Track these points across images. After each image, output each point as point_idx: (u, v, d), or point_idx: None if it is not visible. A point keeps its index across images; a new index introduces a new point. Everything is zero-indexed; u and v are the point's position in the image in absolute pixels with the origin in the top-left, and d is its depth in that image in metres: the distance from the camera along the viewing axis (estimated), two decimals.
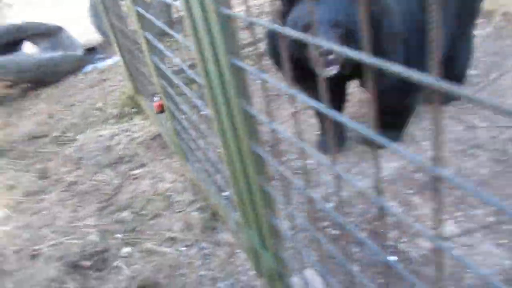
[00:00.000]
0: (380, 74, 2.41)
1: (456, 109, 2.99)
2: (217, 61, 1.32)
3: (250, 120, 1.37)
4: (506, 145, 2.55)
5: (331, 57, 2.01)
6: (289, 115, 3.34)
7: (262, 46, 4.42)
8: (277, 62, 2.47)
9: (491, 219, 2.10)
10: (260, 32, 4.57)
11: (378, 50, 2.31)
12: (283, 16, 2.29)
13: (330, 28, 2.08)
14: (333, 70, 2.09)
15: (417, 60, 2.38)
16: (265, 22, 0.96)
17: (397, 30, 2.23)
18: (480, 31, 3.89)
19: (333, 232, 2.23)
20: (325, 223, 2.29)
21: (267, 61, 2.69)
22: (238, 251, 2.21)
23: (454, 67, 2.96)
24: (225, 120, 1.46)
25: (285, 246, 1.73)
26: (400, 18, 2.25)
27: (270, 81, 1.08)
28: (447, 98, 3.07)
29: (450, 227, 2.11)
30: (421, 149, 2.68)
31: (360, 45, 2.25)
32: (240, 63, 1.24)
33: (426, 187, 2.38)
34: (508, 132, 2.65)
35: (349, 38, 2.12)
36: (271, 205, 1.58)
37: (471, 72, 3.25)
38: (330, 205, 2.42)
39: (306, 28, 2.12)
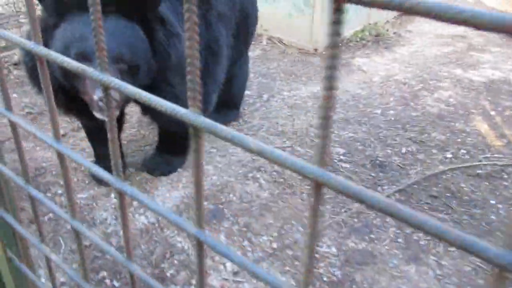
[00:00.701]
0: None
1: (236, 130, 3.00)
2: None
3: None
4: None
5: (113, 102, 1.67)
6: None
7: (18, 54, 3.70)
8: (36, 81, 1.98)
9: (275, 245, 2.11)
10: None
11: (165, 82, 2.08)
12: (50, 28, 1.82)
13: (112, 63, 1.72)
14: None
15: (203, 81, 2.26)
16: (19, 39, 0.58)
17: (183, 55, 2.02)
18: (250, 54, 4.09)
19: (116, 284, 1.90)
20: (104, 273, 1.94)
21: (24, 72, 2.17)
22: None
23: (232, 87, 2.97)
24: None
25: None
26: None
27: (23, 126, 0.72)
28: (226, 120, 3.06)
29: None
30: (205, 174, 2.57)
31: (142, 80, 1.89)
32: None
33: (213, 217, 2.26)
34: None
35: (131, 73, 1.83)
36: (25, 283, 1.16)
37: (246, 92, 3.34)
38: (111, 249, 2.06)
39: (80, 57, 1.71)
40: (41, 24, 1.78)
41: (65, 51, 1.73)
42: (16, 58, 3.65)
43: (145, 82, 1.89)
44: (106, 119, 1.87)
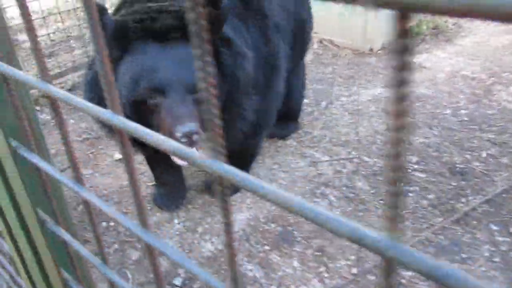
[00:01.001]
0: (230, 127, 2.00)
1: (296, 143, 2.85)
2: None
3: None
4: (352, 179, 2.46)
5: (195, 137, 1.56)
6: (112, 163, 2.78)
7: (72, 79, 3.74)
8: (104, 126, 1.91)
9: (354, 270, 1.93)
10: (66, 59, 3.86)
11: (232, 103, 1.96)
12: (113, 61, 1.72)
13: (189, 93, 1.62)
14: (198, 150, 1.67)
15: (265, 97, 2.12)
16: (94, 109, 0.43)
17: (250, 74, 1.91)
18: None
19: None
20: None
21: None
22: None
23: (290, 98, 2.81)
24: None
25: None
26: (251, 59, 1.92)
27: (99, 205, 0.59)
28: (286, 133, 2.91)
29: None
30: None
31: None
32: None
33: (282, 240, 2.11)
34: (349, 165, 2.58)
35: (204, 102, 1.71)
36: None
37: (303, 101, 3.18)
38: (178, 281, 1.96)
39: (152, 91, 1.63)
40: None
41: (134, 85, 1.65)
42: (70, 83, 3.68)
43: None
44: (186, 165, 1.71)
